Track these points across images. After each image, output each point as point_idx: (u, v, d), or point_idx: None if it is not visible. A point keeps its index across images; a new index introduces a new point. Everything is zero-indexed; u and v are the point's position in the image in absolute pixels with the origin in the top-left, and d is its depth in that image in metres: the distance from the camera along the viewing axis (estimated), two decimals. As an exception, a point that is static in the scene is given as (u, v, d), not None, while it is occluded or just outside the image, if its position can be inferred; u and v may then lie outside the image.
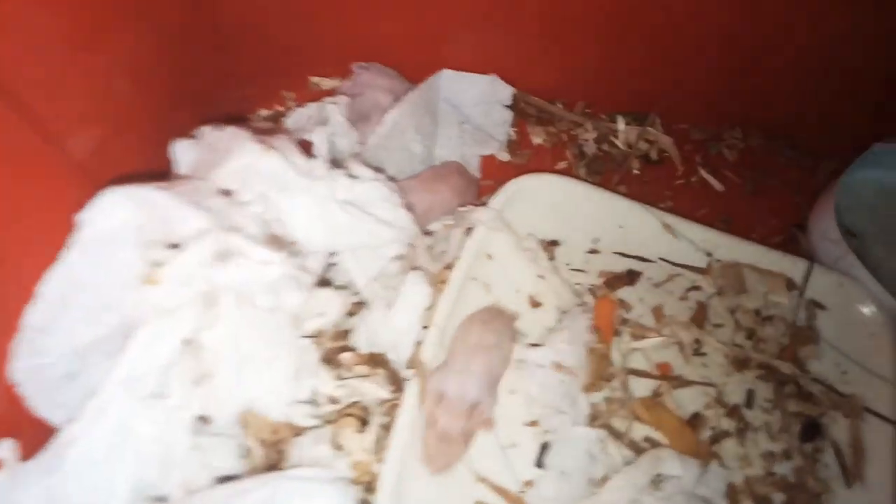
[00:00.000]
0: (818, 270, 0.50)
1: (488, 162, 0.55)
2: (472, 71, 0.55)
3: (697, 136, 0.60)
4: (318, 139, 0.40)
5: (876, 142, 0.55)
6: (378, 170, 0.47)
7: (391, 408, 0.39)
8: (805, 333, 0.49)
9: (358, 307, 0.40)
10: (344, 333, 0.39)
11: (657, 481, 0.40)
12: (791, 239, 0.55)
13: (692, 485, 0.40)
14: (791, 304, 0.50)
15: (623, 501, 0.39)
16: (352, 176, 0.40)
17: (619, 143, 0.57)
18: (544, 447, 0.41)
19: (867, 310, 0.49)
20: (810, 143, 0.60)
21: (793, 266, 0.50)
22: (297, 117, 0.49)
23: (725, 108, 0.60)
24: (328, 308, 0.36)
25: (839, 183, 0.53)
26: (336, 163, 0.44)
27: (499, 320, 0.42)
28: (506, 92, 0.55)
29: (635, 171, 0.57)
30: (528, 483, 0.40)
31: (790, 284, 0.50)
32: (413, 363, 0.41)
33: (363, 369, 0.39)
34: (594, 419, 0.43)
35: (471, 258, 0.46)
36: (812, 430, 0.46)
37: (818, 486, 0.44)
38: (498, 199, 0.49)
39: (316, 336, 0.37)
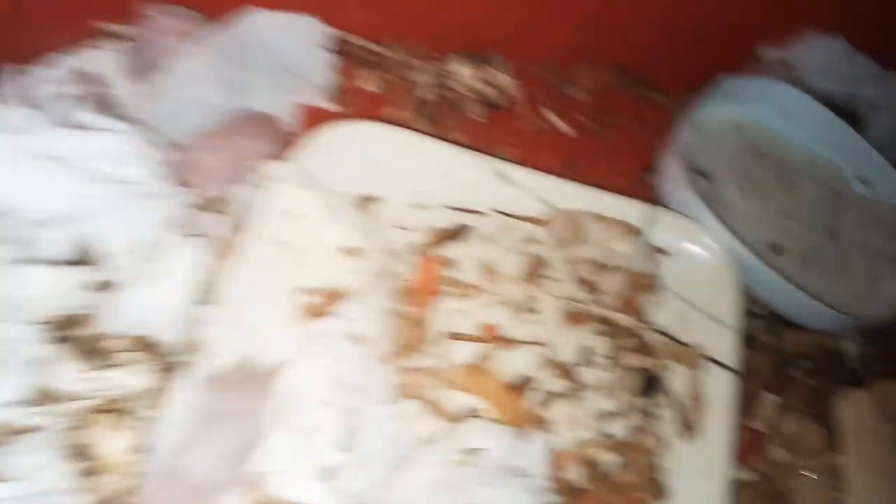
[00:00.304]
0: (662, 215, 0.47)
1: (309, 112, 0.49)
2: (286, 10, 0.49)
3: (547, 77, 0.55)
4: (41, 91, 0.33)
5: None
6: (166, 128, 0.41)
7: (158, 399, 0.34)
8: (646, 282, 0.46)
9: (106, 285, 0.34)
10: (86, 318, 0.33)
11: (468, 455, 0.37)
12: (641, 183, 0.52)
13: (505, 456, 0.36)
14: (634, 253, 0.46)
15: (428, 481, 0.35)
16: (82, 128, 0.34)
17: (458, 87, 0.52)
18: (346, 429, 0.37)
19: (710, 255, 0.46)
20: (665, 80, 0.56)
21: (636, 212, 0.47)
22: (52, 72, 0.42)
23: (577, 45, 0.55)
24: (53, 288, 0.31)
25: (686, 120, 0.50)
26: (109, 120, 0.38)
27: (252, 382, 0.36)
28: (322, 32, 0.49)
29: (476, 118, 0.52)
30: (330, 471, 0.36)
31: (634, 231, 0.47)
32: (187, 345, 0.36)
33: (123, 357, 0.34)
34: (405, 392, 0.39)
35: (269, 220, 0.41)
36: (651, 385, 0.43)
37: (655, 444, 0.42)
38: (303, 152, 0.44)
39: (46, 323, 0.32)
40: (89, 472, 0.31)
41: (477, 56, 0.54)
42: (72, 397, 0.32)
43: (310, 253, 0.41)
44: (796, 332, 0.47)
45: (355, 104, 0.51)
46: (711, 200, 0.50)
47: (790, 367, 0.47)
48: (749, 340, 0.47)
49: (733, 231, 0.48)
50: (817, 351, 0.47)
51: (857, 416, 0.39)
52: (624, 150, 0.53)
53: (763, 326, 0.48)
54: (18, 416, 0.29)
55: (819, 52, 0.52)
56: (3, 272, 0.29)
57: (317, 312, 0.39)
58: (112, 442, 0.32)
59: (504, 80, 0.53)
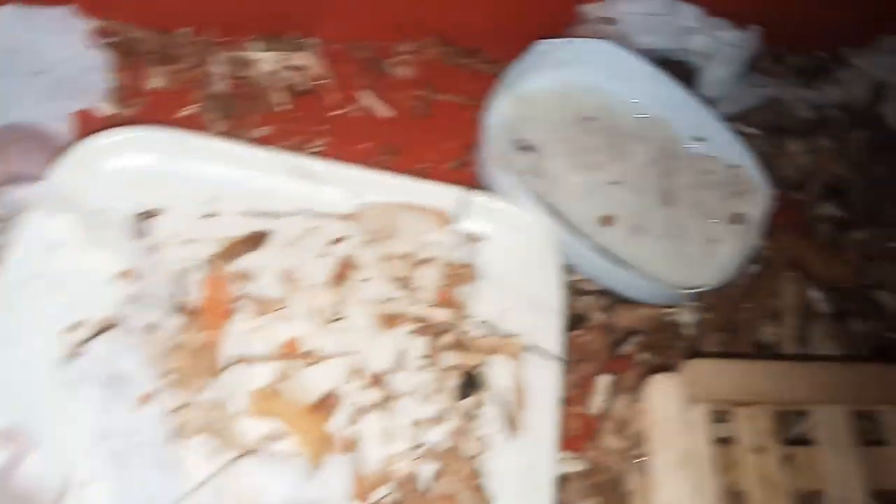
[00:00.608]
0: (477, 199, 0.44)
1: (87, 119, 0.44)
2: (42, 3, 0.44)
3: (362, 55, 0.51)
4: None
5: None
6: None
7: None
8: (464, 272, 0.43)
9: None
10: None
11: (253, 493, 0.34)
12: (466, 163, 0.49)
13: (296, 491, 0.34)
14: (449, 242, 0.44)
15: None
16: None
17: (258, 76, 0.48)
18: (119, 481, 0.34)
19: (528, 236, 0.44)
20: (493, 49, 0.53)
21: (452, 197, 0.44)
22: None
23: (396, 19, 0.51)
24: None
25: (504, 91, 0.47)
26: None
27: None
28: (86, 27, 0.44)
29: (281, 107, 0.48)
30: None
31: (448, 219, 0.44)
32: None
33: None
34: (189, 429, 0.36)
35: (25, 252, 0.37)
36: (470, 384, 0.41)
37: (477, 447, 0.40)
38: (62, 169, 0.39)
39: None
40: None
41: (280, 39, 0.49)
42: None
43: (73, 284, 0.37)
44: (630, 308, 0.46)
45: (144, 105, 0.46)
46: (537, 175, 0.47)
47: (624, 344, 0.45)
48: (580, 320, 0.46)
49: (557, 207, 0.46)
50: (651, 325, 0.46)
51: (664, 400, 0.37)
52: (450, 128, 0.50)
53: (595, 304, 0.46)
54: None
55: (642, 6, 0.50)
56: None
57: (76, 353, 0.35)
58: None
59: (311, 61, 0.49)
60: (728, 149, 0.49)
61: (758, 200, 0.47)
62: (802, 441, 0.38)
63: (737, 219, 0.48)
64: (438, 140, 0.49)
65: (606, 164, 0.48)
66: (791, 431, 0.40)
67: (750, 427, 0.37)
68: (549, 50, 0.48)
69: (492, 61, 0.53)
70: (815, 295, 0.49)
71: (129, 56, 0.46)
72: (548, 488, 0.38)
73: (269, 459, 0.35)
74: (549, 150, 0.49)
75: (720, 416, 0.38)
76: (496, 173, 0.45)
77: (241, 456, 0.34)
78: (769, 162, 0.53)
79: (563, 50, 0.49)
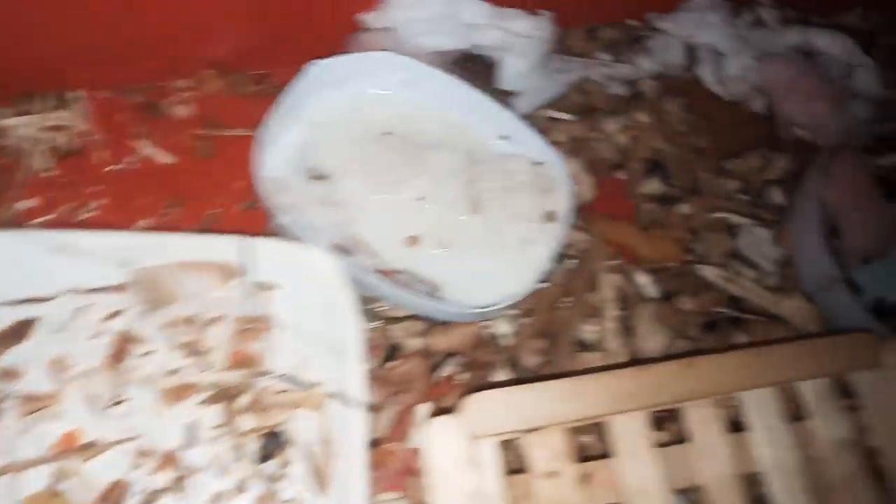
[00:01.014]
0: (263, 244, 0.42)
1: None
2: None
3: (134, 101, 0.48)
4: None
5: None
6: None
7: None
8: (256, 326, 0.41)
9: None
10: None
11: None
12: (259, 203, 0.46)
13: None
14: (237, 296, 0.41)
15: None
16: None
17: (13, 143, 0.44)
18: None
19: (322, 279, 0.41)
20: (282, 72, 0.50)
21: (234, 247, 0.41)
22: None
23: (166, 52, 0.48)
24: None
25: (283, 117, 0.44)
26: None
27: None
28: None
29: (46, 174, 0.44)
30: None
31: (233, 272, 0.42)
32: None
33: None
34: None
35: None
36: (272, 444, 0.39)
37: (283, 509, 0.38)
38: None
39: None
40: None
41: (34, 98, 0.45)
42: None
43: None
44: (445, 329, 0.45)
45: None
46: (333, 205, 0.45)
47: (444, 367, 0.44)
48: (395, 349, 0.44)
49: (358, 236, 0.44)
50: (470, 343, 0.45)
51: (444, 442, 0.36)
52: (240, 165, 0.47)
53: (409, 330, 0.44)
54: None
55: (422, 10, 0.47)
56: None
57: None
58: None
59: (75, 117, 0.46)
60: (531, 145, 0.48)
61: (564, 195, 0.46)
62: (602, 455, 0.38)
63: (550, 217, 0.46)
64: (228, 180, 0.47)
65: (408, 180, 0.47)
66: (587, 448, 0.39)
67: (541, 452, 0.36)
68: (322, 69, 0.45)
69: (282, 85, 0.50)
70: (642, 279, 0.49)
71: None
72: None
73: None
74: (344, 175, 0.46)
75: (511, 447, 0.37)
76: (278, 213, 0.43)
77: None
78: (586, 146, 0.53)
79: (341, 66, 0.46)
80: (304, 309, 0.42)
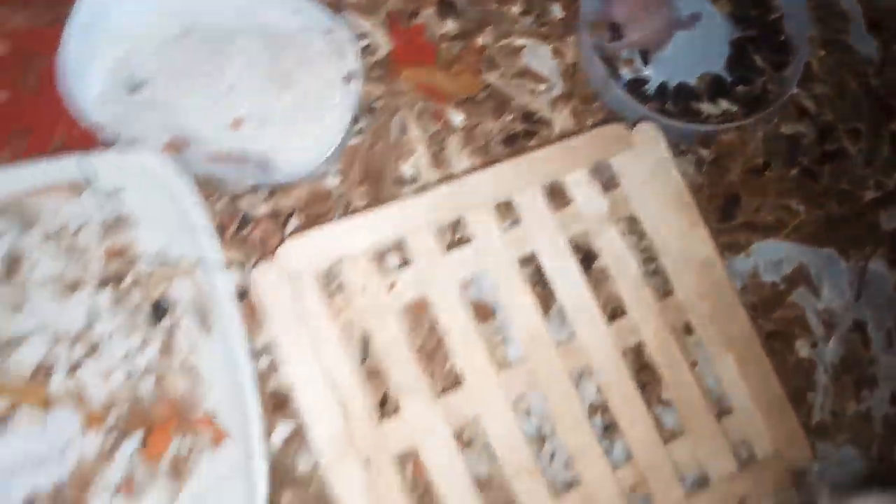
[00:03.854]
0: (98, 157, 0.53)
1: None
2: None
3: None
4: None
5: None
6: None
7: None
8: (117, 224, 0.53)
9: None
10: None
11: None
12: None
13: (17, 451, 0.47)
14: (91, 204, 0.53)
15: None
16: None
17: None
18: None
19: (158, 174, 0.53)
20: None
21: (73, 166, 0.52)
22: None
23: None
24: None
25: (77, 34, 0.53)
26: None
27: None
28: None
29: None
30: None
31: (80, 186, 0.53)
32: None
33: None
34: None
35: None
36: (160, 309, 0.53)
37: (182, 352, 0.52)
38: None
39: None
40: None
41: None
42: None
43: None
44: (286, 190, 0.58)
45: None
46: (157, 108, 0.55)
47: (290, 223, 0.57)
48: (246, 219, 0.57)
49: (186, 131, 0.55)
50: (309, 198, 0.57)
51: (269, 285, 0.50)
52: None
53: (255, 200, 0.57)
54: None
55: None
56: None
57: None
58: None
59: None
60: (319, 15, 0.57)
61: (355, 55, 0.56)
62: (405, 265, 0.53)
63: (349, 77, 0.57)
64: (61, 107, 0.56)
65: (217, 72, 0.57)
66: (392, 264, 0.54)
67: (352, 274, 0.51)
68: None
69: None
70: (449, 113, 0.61)
71: None
72: (247, 365, 0.52)
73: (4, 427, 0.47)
74: (160, 79, 0.56)
75: (329, 275, 0.52)
76: (102, 129, 0.53)
77: None
78: (381, 2, 0.61)
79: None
80: (153, 202, 0.54)
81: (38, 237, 0.54)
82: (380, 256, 0.55)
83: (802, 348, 0.61)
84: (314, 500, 0.53)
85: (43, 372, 0.52)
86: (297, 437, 0.54)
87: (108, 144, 0.56)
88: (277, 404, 0.55)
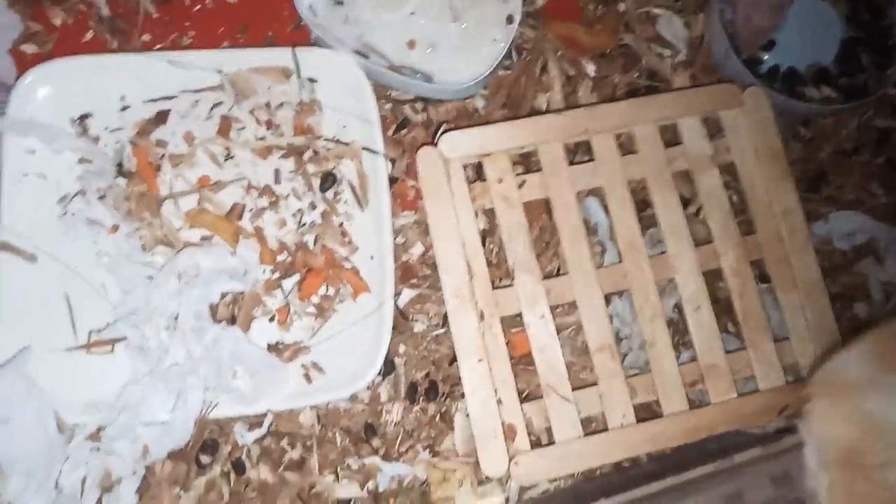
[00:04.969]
0: (306, 52, 0.68)
1: (22, 61, 0.68)
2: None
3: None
4: None
5: None
6: None
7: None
8: (308, 107, 0.68)
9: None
10: None
11: (189, 275, 0.62)
12: (301, 25, 0.71)
13: (216, 263, 0.62)
14: (293, 88, 0.68)
15: (172, 290, 0.61)
16: None
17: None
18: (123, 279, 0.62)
19: (349, 73, 0.68)
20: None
21: (286, 55, 0.68)
22: None
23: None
24: None
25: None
26: None
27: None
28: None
29: (153, 16, 0.70)
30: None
31: (288, 72, 0.68)
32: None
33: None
34: (155, 240, 0.63)
35: (13, 159, 0.63)
36: (328, 180, 0.68)
37: (341, 217, 0.67)
38: (13, 105, 0.64)
39: None
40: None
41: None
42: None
43: (51, 173, 0.64)
44: (439, 105, 0.71)
45: (53, 42, 0.70)
46: (351, 23, 0.70)
47: (439, 132, 0.70)
48: (405, 122, 0.71)
49: (371, 43, 0.69)
50: (457, 114, 0.71)
51: (428, 162, 0.64)
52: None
53: (412, 109, 0.71)
54: None
55: None
56: None
57: (66, 209, 0.63)
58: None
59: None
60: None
61: (519, 2, 0.70)
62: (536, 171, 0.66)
63: (509, 20, 0.70)
64: (278, 10, 0.72)
65: (403, 2, 0.71)
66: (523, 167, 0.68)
67: (492, 168, 0.65)
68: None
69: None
70: (584, 62, 0.73)
71: (31, 5, 0.69)
72: (389, 237, 0.66)
73: (202, 248, 0.62)
74: (357, 1, 0.71)
75: (472, 166, 0.66)
76: (319, 29, 0.68)
77: (183, 248, 0.62)
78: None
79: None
80: (340, 94, 0.69)
81: (248, 107, 0.70)
82: (515, 158, 0.69)
83: (861, 310, 0.71)
84: (423, 355, 0.68)
85: (236, 212, 0.68)
86: (418, 301, 0.69)
87: (312, 44, 0.71)
88: (405, 275, 0.69)
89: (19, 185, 0.65)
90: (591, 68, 0.75)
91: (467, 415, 0.63)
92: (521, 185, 0.66)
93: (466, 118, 0.74)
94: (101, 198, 0.65)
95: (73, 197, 0.65)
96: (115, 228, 0.64)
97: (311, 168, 0.70)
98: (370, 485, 0.63)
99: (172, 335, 0.62)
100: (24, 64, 0.69)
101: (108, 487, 0.59)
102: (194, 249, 0.64)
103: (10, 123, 0.64)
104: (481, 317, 0.63)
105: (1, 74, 0.69)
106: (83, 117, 0.67)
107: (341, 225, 0.69)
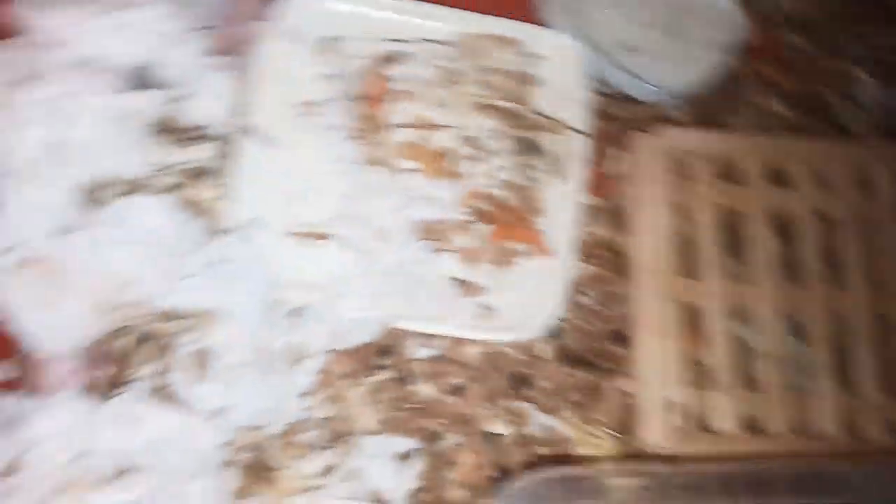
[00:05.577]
0: (535, 30, 0.76)
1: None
2: None
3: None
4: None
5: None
6: None
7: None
8: (527, 79, 0.76)
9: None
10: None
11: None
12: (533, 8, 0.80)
13: (424, 192, 0.68)
14: (518, 59, 0.75)
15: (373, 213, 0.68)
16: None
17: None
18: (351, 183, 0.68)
19: (570, 57, 0.76)
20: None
21: (520, 29, 0.76)
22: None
23: None
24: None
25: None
26: None
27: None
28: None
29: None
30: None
31: (517, 43, 0.75)
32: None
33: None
34: (373, 159, 0.70)
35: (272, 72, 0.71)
36: (531, 147, 0.74)
37: (536, 183, 0.73)
38: (283, 14, 0.72)
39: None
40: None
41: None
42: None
43: (293, 77, 0.72)
44: (636, 104, 0.77)
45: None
46: (577, 14, 0.78)
47: (632, 129, 0.77)
48: (604, 113, 0.77)
49: (592, 36, 0.76)
50: (650, 117, 0.77)
51: (646, 153, 0.71)
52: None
53: (613, 103, 0.78)
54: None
55: None
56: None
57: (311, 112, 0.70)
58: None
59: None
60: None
61: (734, 30, 0.77)
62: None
63: (722, 46, 0.77)
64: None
65: (636, 7, 0.79)
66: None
67: (694, 169, 0.73)
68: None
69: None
70: (778, 102, 0.80)
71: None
72: (576, 211, 0.72)
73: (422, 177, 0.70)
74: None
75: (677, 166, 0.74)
76: (552, 13, 0.76)
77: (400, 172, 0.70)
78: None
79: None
80: (555, 73, 0.77)
81: (472, 66, 0.77)
82: (717, 166, 0.75)
83: None
84: (586, 328, 0.72)
85: (444, 153, 0.74)
86: (592, 278, 0.73)
87: (539, 23, 0.80)
88: (583, 251, 0.74)
89: (271, 83, 0.72)
90: (782, 107, 0.82)
91: (623, 392, 0.69)
92: (718, 194, 0.73)
93: (661, 123, 0.80)
94: (338, 110, 0.73)
95: (316, 103, 0.72)
96: (349, 138, 0.72)
97: (517, 133, 0.77)
98: (519, 427, 0.68)
99: (380, 244, 0.69)
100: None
101: (297, 361, 0.65)
102: (409, 174, 0.72)
103: (278, 30, 0.73)
104: (664, 305, 0.69)
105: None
106: (335, 39, 0.76)
107: (535, 190, 0.76)
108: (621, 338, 0.72)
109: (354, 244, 0.69)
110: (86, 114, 0.60)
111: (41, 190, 0.60)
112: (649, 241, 0.71)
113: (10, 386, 0.62)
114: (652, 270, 0.70)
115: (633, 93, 0.80)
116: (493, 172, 0.75)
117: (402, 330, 0.68)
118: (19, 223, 0.60)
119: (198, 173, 0.68)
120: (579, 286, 0.73)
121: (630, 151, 0.75)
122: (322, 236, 0.70)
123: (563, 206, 0.74)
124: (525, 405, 0.68)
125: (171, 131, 0.67)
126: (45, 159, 0.61)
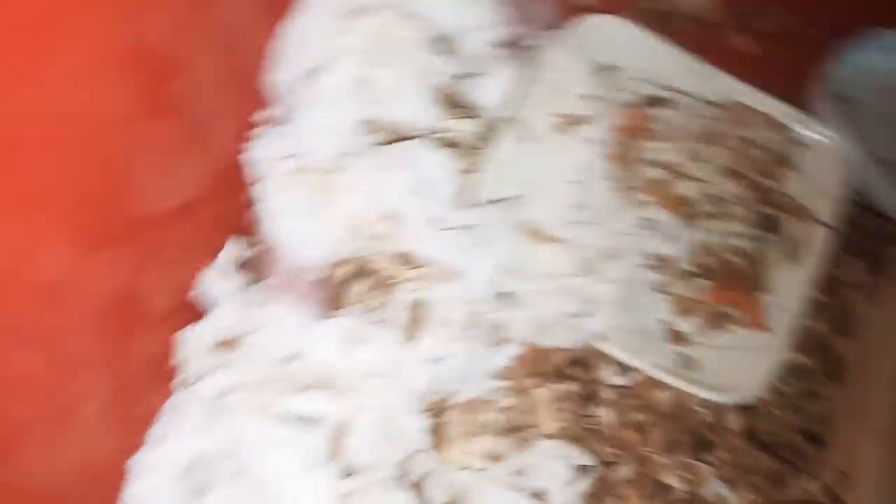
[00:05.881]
0: (807, 120, 0.77)
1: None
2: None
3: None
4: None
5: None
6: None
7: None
8: (784, 161, 0.76)
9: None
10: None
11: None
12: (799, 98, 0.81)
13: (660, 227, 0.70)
14: (780, 140, 0.76)
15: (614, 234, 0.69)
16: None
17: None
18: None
19: (836, 157, 0.76)
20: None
21: (787, 112, 0.77)
22: None
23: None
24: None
25: (841, 58, 0.78)
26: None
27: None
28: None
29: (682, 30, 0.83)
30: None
31: (782, 125, 0.76)
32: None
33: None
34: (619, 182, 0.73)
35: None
36: (771, 223, 0.74)
37: (767, 259, 0.73)
38: (573, 29, 0.77)
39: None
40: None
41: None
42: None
43: (564, 89, 0.76)
44: (885, 221, 0.76)
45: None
46: (848, 117, 0.78)
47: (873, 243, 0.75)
48: (853, 221, 0.76)
49: (857, 143, 0.77)
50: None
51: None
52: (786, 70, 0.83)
53: (863, 214, 0.77)
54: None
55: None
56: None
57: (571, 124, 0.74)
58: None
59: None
60: None
61: None
62: None
63: None
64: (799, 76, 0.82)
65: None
66: None
67: None
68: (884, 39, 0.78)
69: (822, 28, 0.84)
70: None
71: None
72: (804, 300, 0.70)
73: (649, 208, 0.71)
74: (860, 107, 0.79)
75: None
76: (822, 107, 0.77)
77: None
78: None
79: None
80: (817, 167, 0.77)
81: (731, 132, 0.79)
82: None
83: None
84: (781, 416, 0.69)
85: (687, 202, 0.76)
86: (797, 369, 0.71)
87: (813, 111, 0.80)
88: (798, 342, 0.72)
89: (545, 88, 0.75)
90: None
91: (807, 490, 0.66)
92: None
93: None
94: (598, 130, 0.76)
95: (578, 118, 0.75)
96: (601, 156, 0.75)
97: (761, 207, 0.77)
98: (692, 487, 0.65)
99: (604, 262, 0.69)
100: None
101: (499, 341, 0.66)
102: (650, 207, 0.74)
103: (565, 43, 0.78)
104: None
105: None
106: (612, 67, 0.80)
107: (765, 265, 0.75)
108: (813, 437, 0.69)
109: (580, 254, 0.70)
110: (397, 60, 0.67)
111: (335, 112, 0.67)
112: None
113: (245, 266, 0.68)
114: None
115: (888, 211, 0.78)
116: (727, 235, 0.76)
117: (600, 350, 0.68)
118: (309, 136, 0.66)
119: (461, 144, 0.72)
120: (785, 374, 0.71)
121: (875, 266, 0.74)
122: (552, 238, 0.72)
123: (789, 289, 0.73)
124: (704, 467, 0.67)
125: (451, 101, 0.72)
126: (348, 89, 0.67)
